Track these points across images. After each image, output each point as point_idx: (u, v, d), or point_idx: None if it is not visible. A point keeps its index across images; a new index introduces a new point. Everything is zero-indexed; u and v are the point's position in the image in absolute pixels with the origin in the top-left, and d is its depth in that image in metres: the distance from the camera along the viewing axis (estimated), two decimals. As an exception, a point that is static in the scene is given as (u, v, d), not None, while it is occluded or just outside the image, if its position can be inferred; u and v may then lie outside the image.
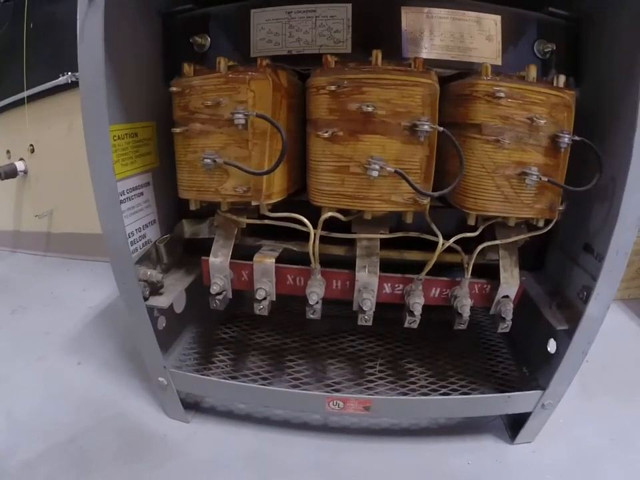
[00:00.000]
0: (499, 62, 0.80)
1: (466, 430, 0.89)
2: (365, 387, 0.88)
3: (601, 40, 0.77)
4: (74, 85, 1.50)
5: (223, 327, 1.07)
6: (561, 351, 0.77)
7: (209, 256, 0.76)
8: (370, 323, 0.73)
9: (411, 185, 0.62)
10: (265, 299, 0.74)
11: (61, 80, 1.50)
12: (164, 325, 0.85)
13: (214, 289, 0.74)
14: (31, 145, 1.74)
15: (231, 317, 1.10)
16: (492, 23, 0.80)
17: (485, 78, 0.65)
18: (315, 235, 0.68)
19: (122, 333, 1.21)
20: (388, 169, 0.62)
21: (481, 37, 0.81)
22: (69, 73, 1.48)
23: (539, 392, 0.79)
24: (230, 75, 0.65)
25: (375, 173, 0.62)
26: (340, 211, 0.69)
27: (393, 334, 1.04)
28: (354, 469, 0.80)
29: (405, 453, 0.84)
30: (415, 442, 0.86)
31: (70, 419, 0.91)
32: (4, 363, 1.09)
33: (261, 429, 0.89)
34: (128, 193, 0.76)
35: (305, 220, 0.68)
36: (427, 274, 0.73)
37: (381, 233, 0.73)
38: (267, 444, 0.85)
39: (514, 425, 0.87)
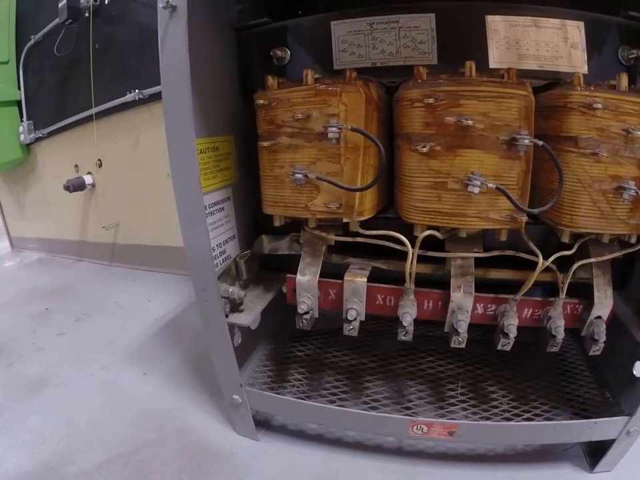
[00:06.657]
0: (585, 70, 0.77)
1: (543, 457, 0.84)
2: (447, 410, 0.84)
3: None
4: (141, 102, 1.56)
5: (296, 344, 1.06)
6: (649, 374, 0.73)
7: (285, 272, 0.74)
8: (463, 345, 0.70)
9: (512, 201, 0.59)
10: (355, 319, 0.72)
11: (128, 97, 1.58)
12: (239, 341, 0.84)
13: (302, 307, 0.72)
14: (99, 160, 1.82)
15: (303, 334, 1.07)
16: (575, 29, 0.77)
17: (579, 88, 0.63)
18: (412, 253, 0.66)
19: (187, 345, 1.22)
20: (489, 185, 0.59)
21: (566, 45, 0.77)
22: (136, 91, 1.54)
23: (625, 418, 0.74)
24: (320, 87, 0.63)
25: (476, 189, 0.59)
26: (432, 228, 0.67)
27: (471, 354, 1.00)
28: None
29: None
30: (492, 468, 0.82)
31: (132, 430, 0.91)
32: (67, 371, 1.11)
33: (332, 450, 0.86)
34: (210, 207, 0.76)
35: (403, 238, 0.66)
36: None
37: (475, 252, 0.70)
38: (338, 466, 0.83)
39: (594, 453, 0.82)
